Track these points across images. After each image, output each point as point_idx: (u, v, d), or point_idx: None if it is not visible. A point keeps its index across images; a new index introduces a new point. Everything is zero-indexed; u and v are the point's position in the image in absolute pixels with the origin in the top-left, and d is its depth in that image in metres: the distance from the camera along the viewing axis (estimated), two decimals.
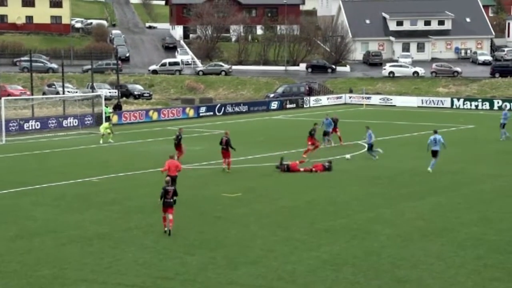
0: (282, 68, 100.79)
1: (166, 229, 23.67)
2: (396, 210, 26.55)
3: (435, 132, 35.18)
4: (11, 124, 52.43)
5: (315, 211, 26.54)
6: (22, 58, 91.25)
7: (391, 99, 76.46)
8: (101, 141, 46.62)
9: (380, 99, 77.03)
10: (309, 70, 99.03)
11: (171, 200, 23.82)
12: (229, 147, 35.40)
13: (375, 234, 23.12)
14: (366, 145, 39.46)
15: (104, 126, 47.80)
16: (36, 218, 25.71)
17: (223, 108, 68.01)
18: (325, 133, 44.19)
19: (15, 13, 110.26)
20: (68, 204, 28.01)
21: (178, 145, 37.57)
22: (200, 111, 66.19)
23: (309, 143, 39.50)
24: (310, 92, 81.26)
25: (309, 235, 23.07)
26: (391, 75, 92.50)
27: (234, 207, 27.14)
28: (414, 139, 47.27)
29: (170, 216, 23.70)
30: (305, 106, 74.98)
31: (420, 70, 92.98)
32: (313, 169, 34.91)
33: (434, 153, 34.51)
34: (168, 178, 25.03)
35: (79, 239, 22.81)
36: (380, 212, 26.29)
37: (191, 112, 65.36)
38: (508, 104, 49.00)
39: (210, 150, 42.48)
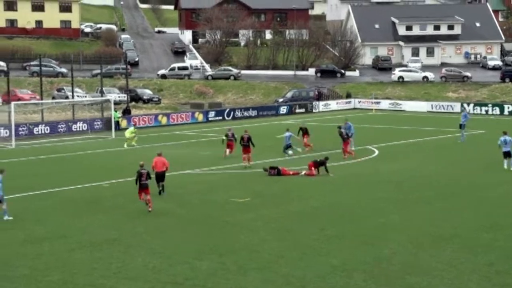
0: (291, 72, 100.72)
1: (150, 209, 26.79)
2: (405, 216, 26.43)
3: (505, 133, 35.29)
4: (20, 129, 52.59)
5: (324, 216, 26.45)
6: (32, 63, 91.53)
7: (400, 104, 76.28)
8: (125, 145, 47.02)
9: (390, 104, 76.86)
10: (318, 74, 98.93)
11: (147, 182, 27.06)
12: (250, 144, 37.73)
13: (385, 240, 23.00)
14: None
15: (130, 131, 48.00)
16: (45, 222, 25.72)
17: (232, 113, 68.01)
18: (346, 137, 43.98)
19: (25, 17, 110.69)
20: (77, 209, 28.01)
21: (230, 143, 39.43)
22: (209, 116, 66.21)
23: (345, 147, 40.60)
24: (320, 96, 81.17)
25: (319, 241, 22.97)
26: (400, 80, 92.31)
27: (242, 212, 27.08)
28: (424, 144, 47.10)
29: (148, 196, 27.00)
30: (314, 110, 74.89)
31: (430, 75, 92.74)
32: (303, 173, 35.04)
33: (506, 154, 35.03)
34: (142, 162, 27.97)
35: (88, 244, 22.79)
36: (389, 217, 26.16)
37: (200, 117, 65.39)
38: (467, 106, 48.44)
39: (219, 154, 42.48)
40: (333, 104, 77.70)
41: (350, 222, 25.52)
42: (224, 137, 41.83)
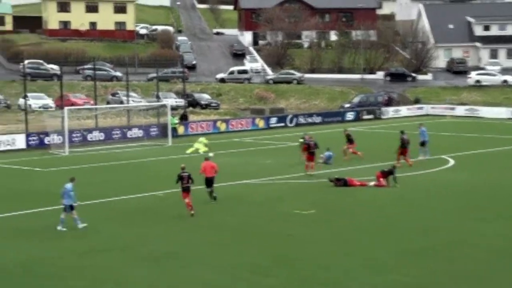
0: (358, 76, 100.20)
1: (193, 212, 28.15)
2: (485, 229, 25.96)
3: None
4: (74, 135, 53.56)
5: (397, 229, 26.19)
6: (86, 66, 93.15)
7: (477, 110, 75.07)
8: (190, 150, 47.89)
9: (466, 110, 75.73)
10: (387, 78, 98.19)
11: (189, 185, 28.37)
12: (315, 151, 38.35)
13: (461, 255, 22.64)
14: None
15: (202, 141, 48.48)
16: (102, 233, 26.11)
17: (295, 119, 67.97)
18: (422, 144, 43.69)
19: (79, 19, 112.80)
20: (133, 220, 28.36)
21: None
22: (271, 122, 66.31)
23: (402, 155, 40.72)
24: (389, 102, 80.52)
25: (391, 256, 22.75)
26: (477, 84, 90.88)
27: (307, 225, 27.00)
28: (504, 154, 46.24)
29: (187, 200, 28.24)
30: (383, 117, 74.30)
31: (510, 79, 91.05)
32: (371, 184, 34.80)
33: None
34: (183, 165, 29.31)
35: (147, 256, 23.04)
36: (468, 231, 25.75)
37: (261, 123, 65.54)
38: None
39: (281, 163, 42.49)
40: (404, 110, 76.94)
41: (426, 236, 25.20)
42: (301, 139, 42.60)
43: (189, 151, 48.28)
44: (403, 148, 41.06)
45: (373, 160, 42.53)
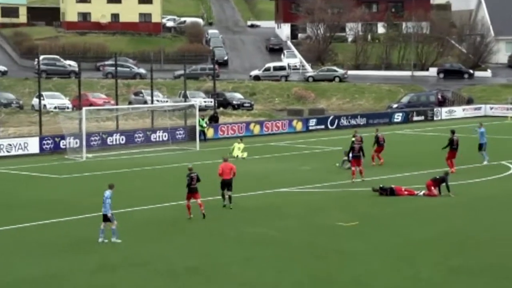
0: (408, 73, 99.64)
1: (191, 216, 29.63)
2: None
3: None
4: (92, 138, 53.85)
5: (448, 245, 25.94)
6: (106, 62, 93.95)
7: None
8: (237, 155, 48.53)
9: None
10: (441, 75, 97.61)
11: (196, 186, 29.78)
12: (361, 154, 38.52)
13: None
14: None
15: (238, 147, 48.76)
16: (119, 247, 26.13)
17: (336, 121, 67.74)
18: (480, 147, 43.45)
19: (99, 10, 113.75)
20: (155, 232, 28.35)
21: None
22: (310, 124, 66.15)
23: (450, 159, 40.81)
24: (443, 102, 79.90)
25: (441, 274, 22.50)
26: None
27: (350, 239, 26.83)
28: None
29: (199, 201, 29.83)
30: (435, 118, 73.79)
31: None
32: (421, 193, 34.48)
33: None
34: (190, 165, 30.94)
35: (166, 273, 23.00)
36: None
37: (299, 126, 65.41)
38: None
39: (321, 170, 42.34)
40: (459, 111, 76.34)
41: (481, 252, 24.90)
42: (353, 138, 42.98)
43: (235, 153, 48.59)
44: (452, 150, 40.92)
45: (424, 167, 42.19)
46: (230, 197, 32.10)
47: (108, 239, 26.63)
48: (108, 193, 26.92)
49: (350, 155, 40.09)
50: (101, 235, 26.71)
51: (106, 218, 26.66)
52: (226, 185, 31.98)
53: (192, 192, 29.95)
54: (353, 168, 38.61)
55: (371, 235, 27.37)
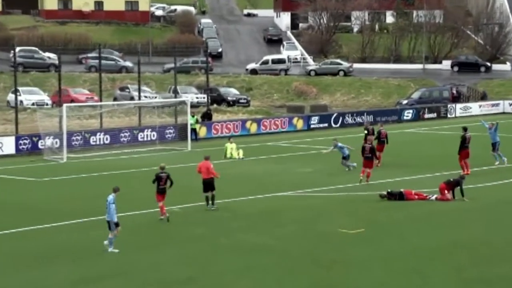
0: (419, 66, 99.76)
1: (163, 217, 30.51)
2: None
3: None
4: (74, 138, 53.89)
5: (462, 254, 26.00)
6: (89, 55, 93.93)
7: None
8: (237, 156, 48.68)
9: None
10: (455, 69, 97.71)
11: (165, 187, 30.55)
12: (373, 156, 38.81)
13: None
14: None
15: (231, 148, 48.83)
16: (105, 256, 26.18)
17: (341, 118, 67.81)
18: (494, 146, 43.72)
19: None
20: (143, 240, 28.42)
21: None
22: (311, 122, 66.22)
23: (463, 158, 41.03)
24: (458, 97, 79.97)
25: (454, 285, 22.56)
26: None
27: (355, 247, 26.90)
28: None
29: (161, 204, 30.36)
30: (449, 116, 73.87)
31: None
32: (433, 197, 34.58)
33: None
34: (163, 164, 31.40)
35: (156, 283, 23.08)
36: None
37: (299, 124, 65.47)
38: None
39: (324, 172, 42.41)
40: (475, 108, 76.37)
41: (498, 263, 24.96)
42: (365, 131, 44.26)
43: (229, 154, 48.84)
44: (464, 149, 41.00)
45: (436, 169, 42.28)
46: (212, 197, 32.78)
47: (115, 248, 26.48)
48: (110, 197, 26.71)
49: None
50: (110, 245, 26.53)
51: (117, 224, 26.58)
52: (207, 185, 32.70)
53: (160, 193, 30.79)
54: (363, 168, 38.80)
55: (378, 243, 27.43)
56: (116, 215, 26.61)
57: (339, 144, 42.87)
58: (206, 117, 63.74)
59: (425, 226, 30.16)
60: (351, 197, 35.87)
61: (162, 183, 30.72)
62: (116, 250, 26.54)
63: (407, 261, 25.18)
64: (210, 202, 32.85)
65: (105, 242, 26.68)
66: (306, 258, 25.70)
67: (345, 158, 42.73)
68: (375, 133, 45.43)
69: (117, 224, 26.65)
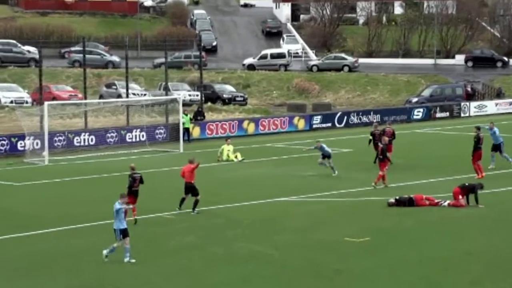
0: (431, 61, 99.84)
1: (135, 218, 31.05)
2: None
3: None
4: (56, 139, 53.83)
5: (477, 265, 26.00)
6: (73, 48, 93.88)
7: None
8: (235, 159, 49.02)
9: None
10: (470, 64, 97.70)
11: (138, 189, 31.39)
12: (384, 157, 39.08)
13: None
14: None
15: (228, 150, 48.90)
16: (86, 269, 26.12)
17: (345, 118, 67.83)
18: (494, 148, 43.89)
19: None
20: (132, 248, 28.40)
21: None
22: (314, 122, 66.24)
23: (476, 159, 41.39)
24: (472, 95, 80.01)
25: None
26: None
27: (360, 257, 26.94)
28: None
29: (132, 206, 30.08)
30: (462, 115, 73.88)
31: None
32: (445, 203, 34.62)
33: None
34: (133, 164, 32.49)
35: None
36: None
37: (300, 123, 65.49)
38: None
39: (327, 176, 42.42)
40: (491, 106, 76.37)
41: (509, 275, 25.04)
42: (370, 137, 44.85)
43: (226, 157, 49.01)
44: (477, 150, 41.20)
45: (448, 172, 42.34)
46: (196, 202, 33.33)
47: (132, 258, 26.36)
48: (117, 204, 26.50)
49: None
50: (127, 255, 26.38)
51: (125, 233, 26.44)
52: (188, 189, 33.44)
53: (132, 195, 31.30)
54: (380, 173, 38.98)
55: (384, 252, 27.46)
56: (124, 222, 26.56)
57: (325, 148, 43.10)
58: (199, 115, 63.49)
59: (436, 234, 30.17)
60: (356, 203, 35.90)
61: (135, 184, 31.61)
62: (133, 260, 26.36)
63: (417, 272, 25.19)
64: (193, 207, 33.49)
65: (105, 252, 26.57)
66: (308, 269, 25.74)
67: (328, 157, 42.81)
68: (370, 135, 46.12)
69: (123, 233, 26.39)
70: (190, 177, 33.55)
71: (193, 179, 33.61)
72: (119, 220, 26.54)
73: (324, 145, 43.31)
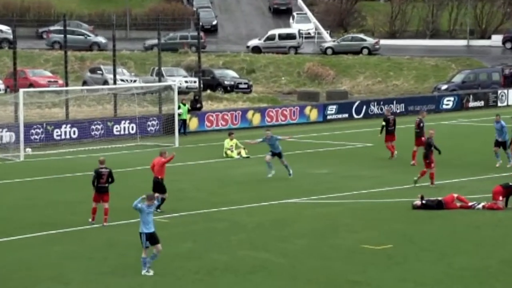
0: (463, 42, 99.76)
1: (93, 221, 31.67)
2: None
3: None
4: (34, 131, 53.89)
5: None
6: (52, 28, 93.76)
7: None
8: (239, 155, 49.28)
9: None
10: (508, 45, 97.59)
11: (107, 185, 31.66)
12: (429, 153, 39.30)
13: None
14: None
15: (231, 145, 49.08)
16: (68, 280, 26.13)
17: (364, 107, 67.82)
18: (498, 143, 44.26)
19: None
20: (118, 258, 28.42)
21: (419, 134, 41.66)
22: (328, 112, 66.24)
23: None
24: (511, 81, 79.91)
25: None
26: None
27: (380, 267, 26.95)
28: None
29: (106, 205, 31.40)
30: (500, 104, 73.88)
31: None
32: (479, 206, 34.66)
33: None
34: (102, 158, 32.49)
35: None
36: None
37: (313, 114, 65.50)
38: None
39: (343, 174, 42.41)
40: None
41: None
42: (383, 123, 45.61)
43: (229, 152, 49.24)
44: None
45: (484, 169, 42.45)
46: (162, 200, 33.48)
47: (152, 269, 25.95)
48: (145, 206, 26.03)
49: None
50: (144, 267, 25.95)
51: (153, 238, 25.79)
52: (155, 185, 33.68)
53: (100, 192, 31.87)
54: (431, 170, 39.21)
55: (408, 262, 27.46)
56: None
57: (276, 142, 42.36)
58: (196, 104, 63.16)
59: (469, 241, 30.17)
60: (377, 205, 35.90)
61: (102, 180, 31.73)
62: (151, 273, 25.97)
63: (446, 286, 25.21)
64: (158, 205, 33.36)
65: (143, 272, 25.89)
66: (321, 280, 25.77)
67: (278, 155, 42.17)
68: (383, 121, 46.24)
69: (155, 239, 25.86)
70: (159, 171, 33.83)
71: (163, 174, 33.80)
72: (144, 222, 25.92)
73: (279, 136, 42.88)
